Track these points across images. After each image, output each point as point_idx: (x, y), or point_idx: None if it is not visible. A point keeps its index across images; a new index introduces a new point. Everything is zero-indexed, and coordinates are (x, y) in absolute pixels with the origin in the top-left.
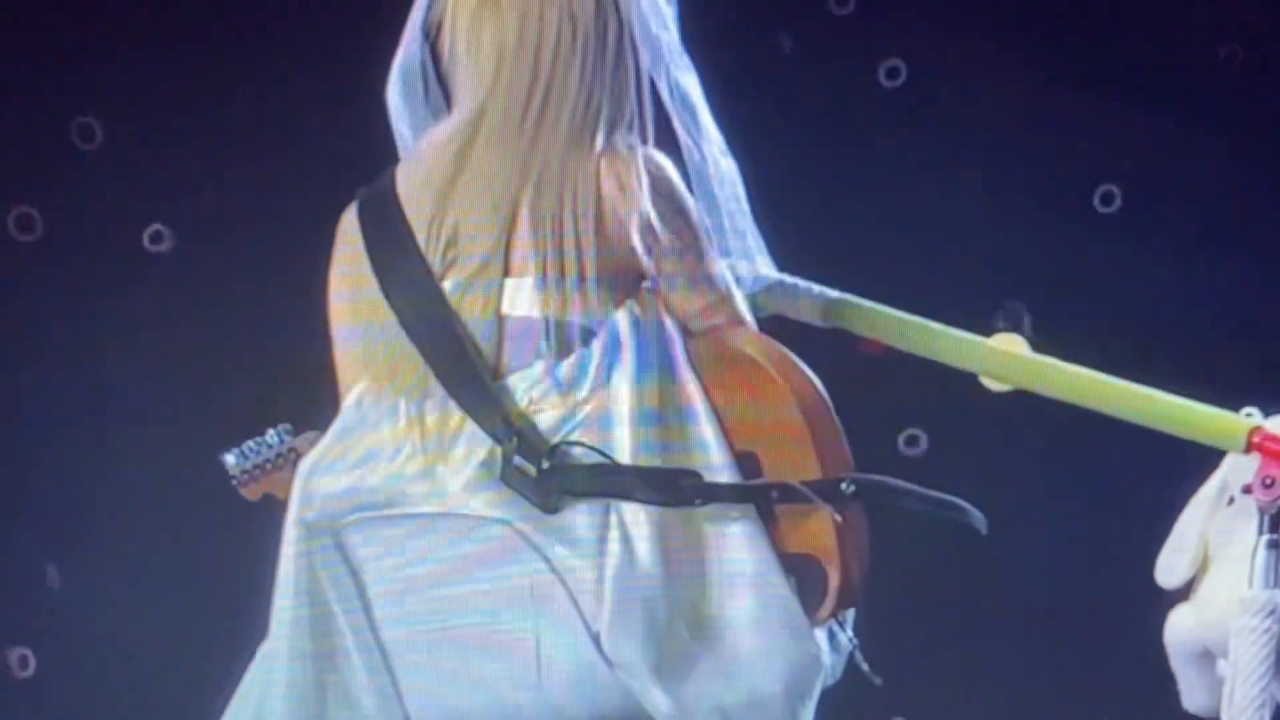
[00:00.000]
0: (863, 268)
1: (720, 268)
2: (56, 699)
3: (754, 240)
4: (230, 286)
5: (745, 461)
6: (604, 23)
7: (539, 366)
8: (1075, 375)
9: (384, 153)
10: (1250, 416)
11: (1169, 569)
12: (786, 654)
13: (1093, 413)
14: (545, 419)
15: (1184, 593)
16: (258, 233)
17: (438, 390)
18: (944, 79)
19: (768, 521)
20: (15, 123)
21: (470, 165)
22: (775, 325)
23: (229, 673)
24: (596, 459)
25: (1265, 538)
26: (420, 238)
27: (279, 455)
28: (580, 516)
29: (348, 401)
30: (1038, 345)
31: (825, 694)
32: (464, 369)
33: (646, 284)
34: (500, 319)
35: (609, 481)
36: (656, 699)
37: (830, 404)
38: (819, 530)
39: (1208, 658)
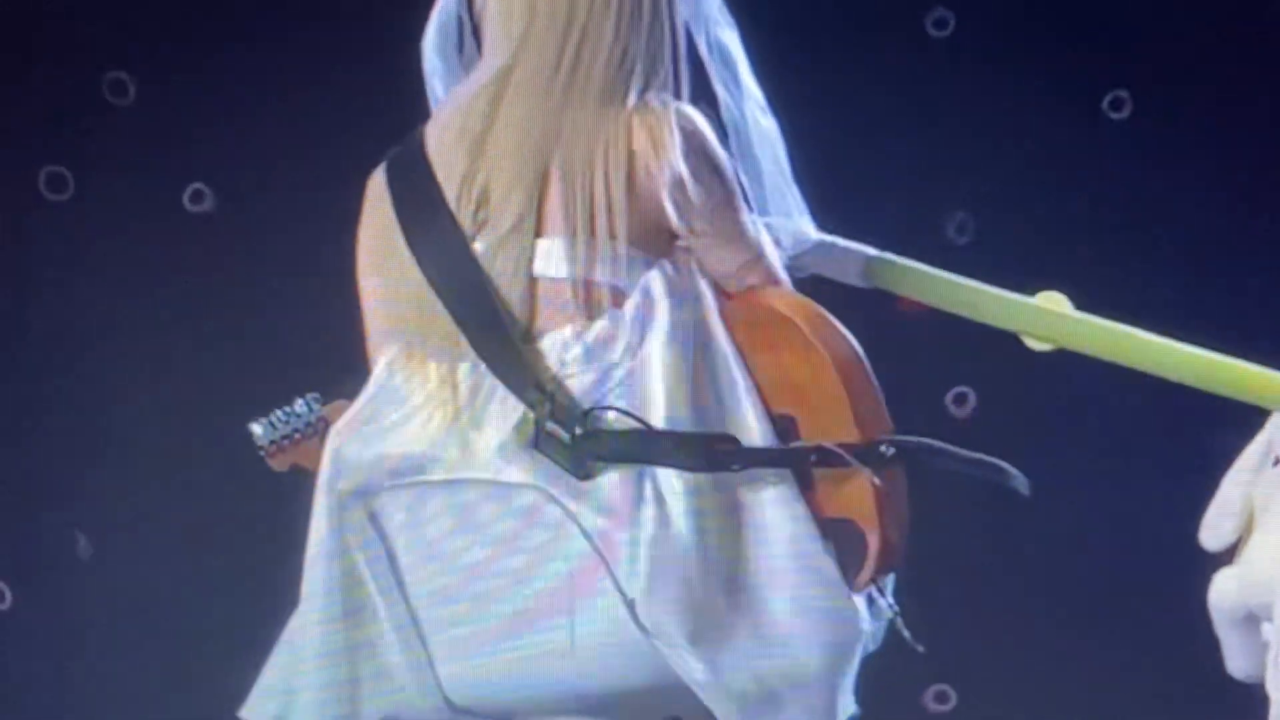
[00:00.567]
0: (907, 221)
1: (755, 226)
2: (87, 667)
3: (795, 201)
4: (275, 248)
5: (782, 424)
6: None
7: (571, 329)
8: (1118, 333)
9: (430, 106)
10: None
11: (1213, 532)
12: (825, 621)
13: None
14: (578, 383)
15: (1228, 556)
16: (304, 190)
17: (469, 355)
18: (992, 29)
19: (805, 485)
20: (44, 78)
21: (500, 121)
22: (814, 285)
23: (260, 641)
24: (631, 424)
25: None
26: (450, 198)
27: (308, 425)
28: (614, 482)
29: (378, 368)
30: (1080, 304)
31: (865, 661)
32: (496, 332)
33: (680, 244)
34: (532, 280)
35: (643, 446)
36: (692, 667)
37: (868, 365)
38: (857, 494)
39: (1252, 621)
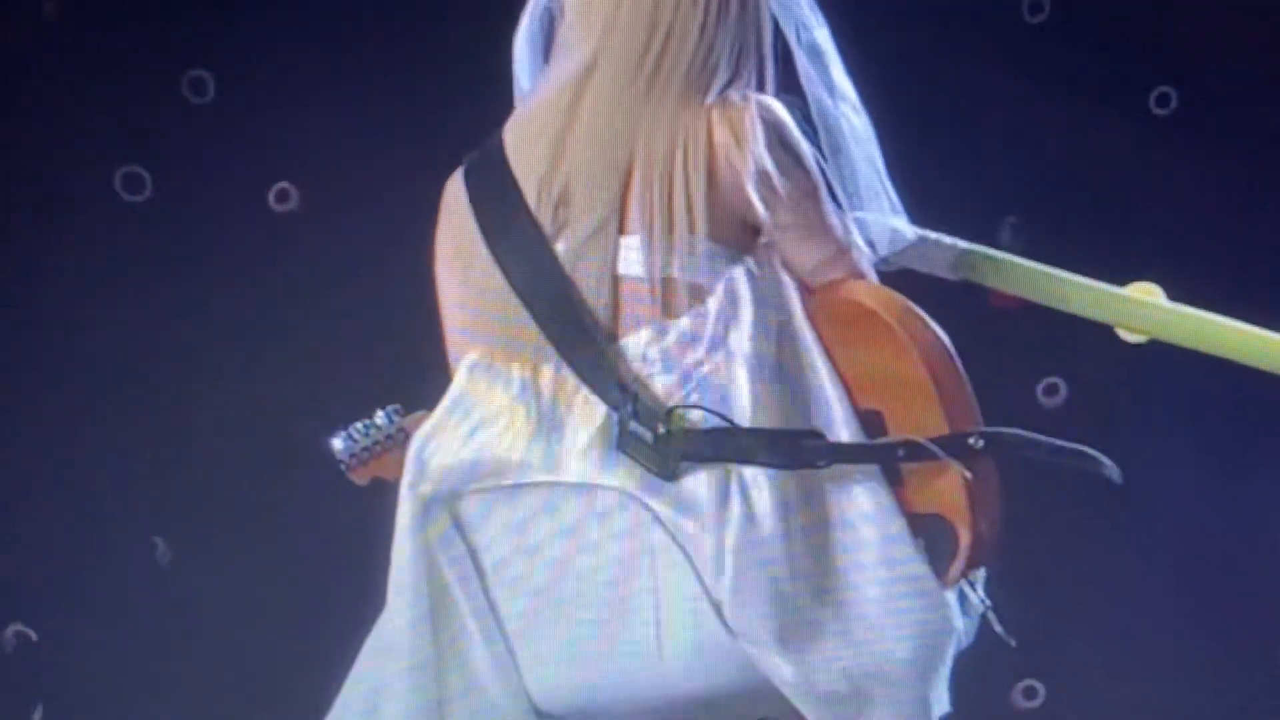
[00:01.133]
0: (1003, 210)
1: (838, 218)
2: (167, 675)
3: (890, 200)
4: (363, 248)
5: (869, 419)
6: None
7: (652, 328)
8: (1211, 324)
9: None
10: None
11: None
12: (915, 618)
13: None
14: (661, 382)
15: None
16: (390, 190)
17: (551, 357)
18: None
19: (893, 481)
20: (121, 77)
21: (581, 120)
22: (900, 277)
23: (345, 647)
24: (715, 422)
25: None
26: (530, 199)
27: (389, 437)
28: (699, 482)
29: (459, 372)
30: (1175, 295)
31: (957, 656)
32: (579, 333)
33: (763, 239)
34: (615, 280)
35: (728, 445)
36: (780, 667)
37: (956, 357)
38: (947, 488)
39: None
